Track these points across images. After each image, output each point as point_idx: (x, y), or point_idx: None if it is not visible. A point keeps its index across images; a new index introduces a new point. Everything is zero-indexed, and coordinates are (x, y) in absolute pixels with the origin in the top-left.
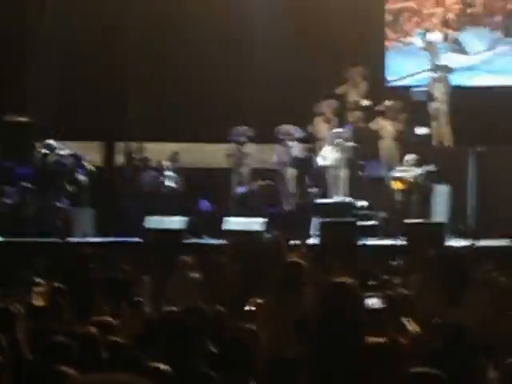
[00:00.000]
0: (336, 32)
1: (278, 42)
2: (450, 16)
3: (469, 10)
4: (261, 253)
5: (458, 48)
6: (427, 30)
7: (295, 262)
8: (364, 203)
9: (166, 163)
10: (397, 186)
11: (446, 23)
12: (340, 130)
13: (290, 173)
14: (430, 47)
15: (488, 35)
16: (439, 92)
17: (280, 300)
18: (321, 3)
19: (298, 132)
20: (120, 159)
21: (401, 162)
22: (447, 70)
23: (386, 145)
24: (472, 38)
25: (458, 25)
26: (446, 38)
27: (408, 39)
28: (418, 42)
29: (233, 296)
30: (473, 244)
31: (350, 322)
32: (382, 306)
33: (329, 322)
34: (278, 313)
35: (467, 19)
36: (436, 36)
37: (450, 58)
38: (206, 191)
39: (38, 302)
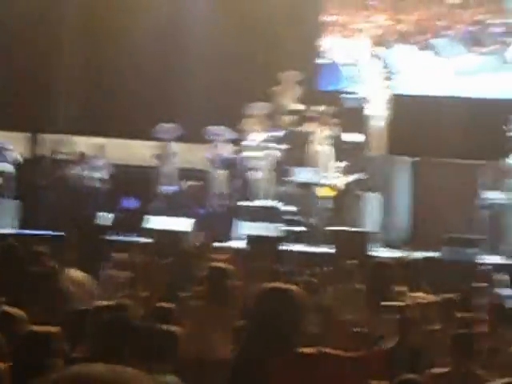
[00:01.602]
0: (272, 36)
1: (213, 42)
2: (379, 32)
3: (399, 27)
4: (186, 253)
5: (386, 65)
6: (354, 46)
7: (219, 266)
8: (291, 208)
9: (92, 157)
10: (326, 192)
11: (374, 39)
12: (269, 132)
13: (219, 174)
14: (354, 63)
15: (417, 53)
16: (377, 99)
17: (205, 302)
18: (258, 8)
19: (228, 133)
20: (45, 151)
21: (331, 168)
22: (388, 75)
23: (317, 150)
24: (401, 56)
25: (387, 42)
26: (373, 55)
27: (332, 54)
28: (340, 57)
29: (156, 295)
30: (404, 256)
31: (281, 329)
32: None
33: (259, 327)
34: (204, 315)
35: (397, 36)
36: (363, 52)
37: (376, 75)
38: (131, 188)
39: None
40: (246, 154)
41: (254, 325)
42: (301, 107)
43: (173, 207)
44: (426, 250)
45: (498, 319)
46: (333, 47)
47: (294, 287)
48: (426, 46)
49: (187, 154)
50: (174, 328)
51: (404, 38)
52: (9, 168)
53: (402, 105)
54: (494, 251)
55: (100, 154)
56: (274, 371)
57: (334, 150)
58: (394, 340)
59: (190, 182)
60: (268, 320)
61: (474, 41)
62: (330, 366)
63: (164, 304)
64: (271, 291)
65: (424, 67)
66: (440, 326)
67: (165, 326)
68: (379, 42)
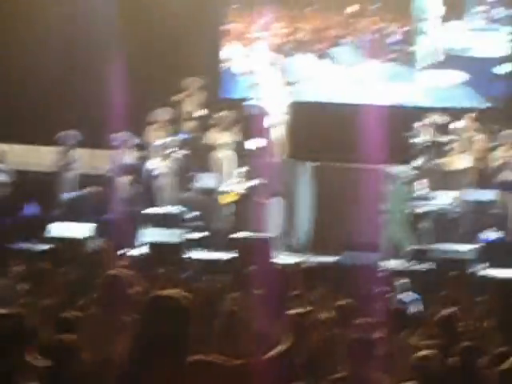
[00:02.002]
0: (174, 42)
1: (116, 47)
2: (277, 41)
3: (296, 37)
4: (86, 260)
5: (285, 74)
6: (252, 54)
7: (115, 274)
8: (194, 214)
9: None
10: (227, 198)
11: (272, 48)
12: (172, 138)
13: (122, 180)
14: (254, 71)
15: (316, 62)
16: (276, 105)
17: (103, 310)
18: (161, 14)
19: (132, 139)
20: None
21: (233, 174)
22: (287, 83)
23: (220, 156)
24: (299, 64)
25: (286, 50)
26: (272, 63)
27: (232, 62)
28: (239, 65)
29: (55, 304)
30: (304, 260)
31: (170, 337)
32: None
33: (148, 334)
34: (102, 322)
35: (295, 45)
36: (261, 61)
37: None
38: (33, 195)
39: None
40: (149, 159)
41: (142, 332)
42: (203, 113)
43: (74, 213)
44: (328, 254)
45: (396, 324)
46: (232, 55)
47: (182, 294)
48: (324, 55)
49: (90, 160)
50: (70, 337)
51: (302, 46)
52: None
53: (301, 111)
54: (394, 256)
55: (1, 159)
56: (158, 379)
57: (235, 155)
58: (290, 345)
59: (92, 188)
60: (154, 327)
61: (372, 49)
62: (213, 375)
63: (63, 312)
64: (158, 298)
65: (323, 75)
66: (338, 331)
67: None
68: (277, 50)
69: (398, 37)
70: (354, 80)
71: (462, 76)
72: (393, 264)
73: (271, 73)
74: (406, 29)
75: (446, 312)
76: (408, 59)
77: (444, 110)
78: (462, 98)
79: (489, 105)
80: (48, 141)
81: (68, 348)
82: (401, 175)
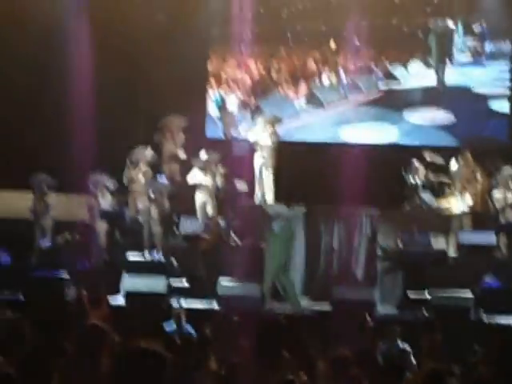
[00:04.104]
0: (157, 81)
1: (94, 87)
2: (253, 82)
3: (273, 77)
4: (63, 309)
5: (265, 114)
6: (224, 96)
7: (95, 324)
8: (177, 261)
9: None
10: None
11: (247, 89)
12: (155, 182)
13: (101, 226)
14: (225, 115)
15: (290, 103)
16: (264, 145)
17: (80, 363)
18: (143, 52)
19: (110, 182)
20: None
21: (215, 217)
22: (275, 121)
23: (203, 200)
24: (273, 106)
25: (261, 91)
26: (246, 105)
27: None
28: (214, 109)
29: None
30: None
31: None
32: None
33: None
34: (78, 377)
35: (271, 86)
36: (234, 103)
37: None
38: (5, 243)
39: None
40: (129, 204)
41: None
42: (185, 155)
43: (50, 262)
44: (320, 301)
45: (386, 376)
46: (211, 97)
47: (161, 347)
48: (304, 94)
49: (66, 205)
50: None
51: (278, 85)
52: None
53: (287, 152)
54: (387, 302)
55: None
56: None
57: (220, 198)
58: None
59: (68, 235)
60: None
61: (354, 88)
62: None
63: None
64: (135, 351)
65: (306, 115)
66: None
67: None
68: (254, 90)
69: (382, 74)
70: (337, 120)
71: (451, 115)
72: (385, 310)
73: (251, 114)
74: (390, 65)
75: (434, 365)
76: (395, 97)
77: (436, 150)
78: (452, 137)
79: (484, 143)
80: (21, 186)
81: None
82: (283, 214)
